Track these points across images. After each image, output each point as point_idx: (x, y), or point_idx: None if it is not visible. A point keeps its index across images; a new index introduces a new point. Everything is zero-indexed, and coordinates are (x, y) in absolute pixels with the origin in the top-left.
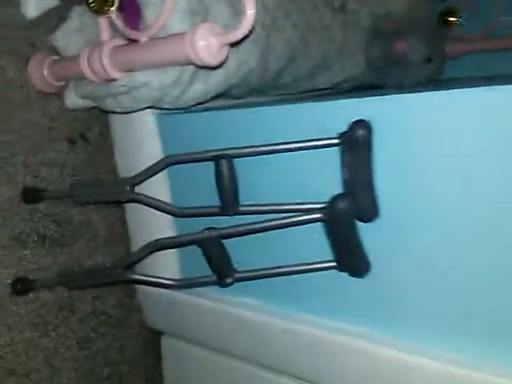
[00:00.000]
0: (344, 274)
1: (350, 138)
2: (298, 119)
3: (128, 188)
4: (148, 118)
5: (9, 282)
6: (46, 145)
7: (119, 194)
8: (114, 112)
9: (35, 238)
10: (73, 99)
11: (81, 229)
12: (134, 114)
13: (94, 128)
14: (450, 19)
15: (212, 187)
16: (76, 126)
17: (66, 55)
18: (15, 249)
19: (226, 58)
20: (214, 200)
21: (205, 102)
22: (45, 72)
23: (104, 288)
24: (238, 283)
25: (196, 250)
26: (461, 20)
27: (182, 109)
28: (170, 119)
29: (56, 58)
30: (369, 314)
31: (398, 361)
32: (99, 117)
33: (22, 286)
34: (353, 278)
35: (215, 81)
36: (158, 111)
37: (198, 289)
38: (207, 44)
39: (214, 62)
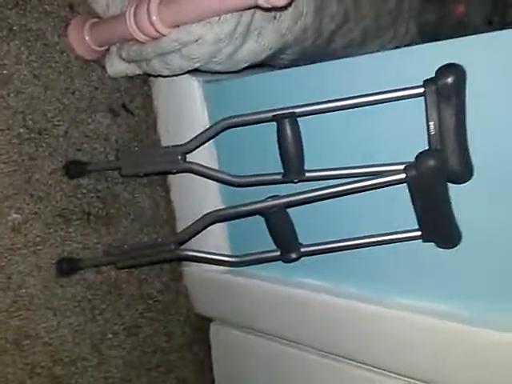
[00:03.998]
0: (429, 245)
1: (439, 86)
2: (370, 71)
3: (179, 157)
4: (193, 85)
5: (53, 262)
6: (87, 116)
7: (170, 163)
8: (160, 75)
9: (80, 216)
10: (115, 66)
11: (126, 207)
12: (179, 81)
13: (136, 99)
14: None
15: (267, 153)
16: (117, 96)
17: (106, 16)
18: (60, 227)
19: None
20: (270, 167)
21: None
22: (86, 36)
23: (150, 270)
24: (303, 261)
25: (247, 226)
26: None
27: (232, 73)
28: (215, 86)
29: (96, 20)
30: (459, 293)
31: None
32: (141, 87)
33: (67, 266)
34: (440, 250)
35: (269, 38)
36: (203, 79)
37: (252, 270)
38: None
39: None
